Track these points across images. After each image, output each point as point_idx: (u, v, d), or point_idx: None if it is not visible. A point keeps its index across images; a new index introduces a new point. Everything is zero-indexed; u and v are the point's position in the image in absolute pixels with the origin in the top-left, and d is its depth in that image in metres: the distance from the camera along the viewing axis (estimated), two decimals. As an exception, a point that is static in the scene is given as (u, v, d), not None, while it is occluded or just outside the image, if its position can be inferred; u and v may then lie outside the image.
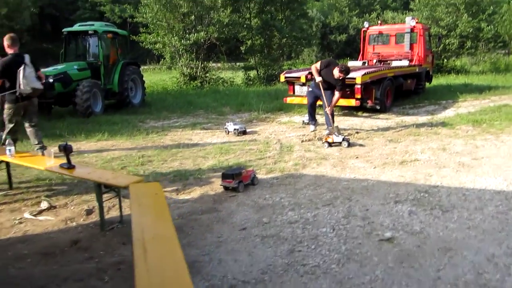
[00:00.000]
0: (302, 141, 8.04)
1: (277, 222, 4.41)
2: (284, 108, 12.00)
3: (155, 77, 22.12)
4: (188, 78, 17.86)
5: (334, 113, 8.61)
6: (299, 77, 10.68)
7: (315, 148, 7.48)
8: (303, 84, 10.76)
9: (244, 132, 8.82)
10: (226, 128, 9.09)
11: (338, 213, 4.56)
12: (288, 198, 5.07)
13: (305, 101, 10.02)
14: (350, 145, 7.44)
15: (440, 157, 6.64)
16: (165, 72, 21.47)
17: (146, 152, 7.41)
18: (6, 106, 6.35)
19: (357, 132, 8.63)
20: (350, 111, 11.29)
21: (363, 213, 4.54)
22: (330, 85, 8.31)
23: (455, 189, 5.21)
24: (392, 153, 6.96)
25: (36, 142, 6.83)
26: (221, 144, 7.92)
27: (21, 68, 6.13)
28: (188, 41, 16.76)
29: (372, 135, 8.42)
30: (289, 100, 11.19)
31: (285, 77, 11.01)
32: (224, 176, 5.36)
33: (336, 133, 7.80)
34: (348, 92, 10.15)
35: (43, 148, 6.77)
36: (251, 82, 19.35)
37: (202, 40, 16.83)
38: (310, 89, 9.01)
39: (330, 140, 7.58)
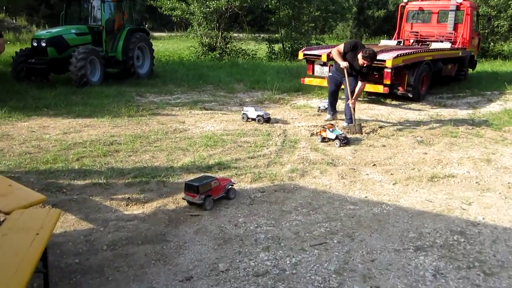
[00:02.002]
0: (312, 135, 6.61)
1: (238, 272, 3.07)
2: (303, 89, 10.49)
3: (175, 46, 20.81)
4: (206, 48, 16.44)
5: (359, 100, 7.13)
6: (320, 56, 9.11)
7: (324, 146, 6.03)
8: (324, 64, 9.23)
9: (268, 120, 7.36)
10: (244, 114, 7.53)
11: (329, 263, 3.18)
12: (267, 227, 3.71)
13: (325, 82, 8.65)
14: (343, 144, 6.06)
15: (483, 173, 5.08)
16: (189, 40, 20.02)
17: (119, 137, 6.17)
18: None
19: (380, 127, 7.08)
20: (377, 97, 9.65)
21: (366, 267, 3.14)
22: (355, 71, 6.86)
23: (503, 231, 3.70)
24: (421, 162, 5.43)
25: None
26: (212, 133, 6.58)
27: None
28: (208, 9, 15.23)
29: (398, 132, 6.86)
30: (307, 80, 9.66)
31: (304, 55, 9.44)
32: (187, 188, 4.04)
33: (351, 129, 6.38)
34: (377, 76, 8.54)
35: None
36: (274, 57, 17.70)
37: (223, 8, 15.25)
38: (330, 73, 7.49)
39: (324, 134, 6.24)
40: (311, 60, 9.50)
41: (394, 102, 9.34)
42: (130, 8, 12.19)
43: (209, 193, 4.02)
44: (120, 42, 11.42)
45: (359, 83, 6.83)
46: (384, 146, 6.14)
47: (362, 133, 6.74)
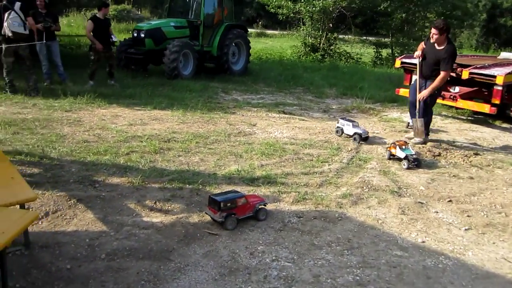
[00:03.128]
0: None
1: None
2: (399, 101, 9.46)
3: (280, 44, 20.61)
4: (309, 48, 15.91)
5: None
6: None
7: (396, 170, 5.20)
8: (423, 74, 8.13)
9: (366, 139, 6.32)
10: (339, 128, 6.53)
11: (337, 326, 2.54)
12: (286, 263, 3.17)
13: None
14: (413, 166, 5.31)
15: None
16: (294, 39, 19.66)
17: (180, 134, 6.03)
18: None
19: (476, 154, 5.94)
20: (484, 117, 8.28)
21: None
22: (429, 69, 6.12)
23: None
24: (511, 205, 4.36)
25: (30, 83, 7.69)
26: (276, 140, 6.13)
27: (7, 13, 6.57)
28: (314, 8, 14.69)
29: (497, 163, 5.70)
30: (402, 91, 8.66)
31: (402, 63, 8.45)
32: (210, 202, 3.66)
33: (418, 141, 6.04)
34: (486, 94, 7.30)
35: (35, 90, 7.70)
36: (380, 62, 16.49)
37: (329, 8, 14.57)
38: (413, 82, 6.59)
39: (393, 151, 5.51)
40: (409, 70, 8.49)
41: (504, 125, 7.91)
42: (231, 4, 12.17)
43: (233, 211, 3.59)
44: (216, 38, 11.47)
45: (441, 73, 5.93)
46: (472, 178, 5.10)
47: (422, 138, 6.19)
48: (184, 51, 10.52)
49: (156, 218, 3.72)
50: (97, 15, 9.08)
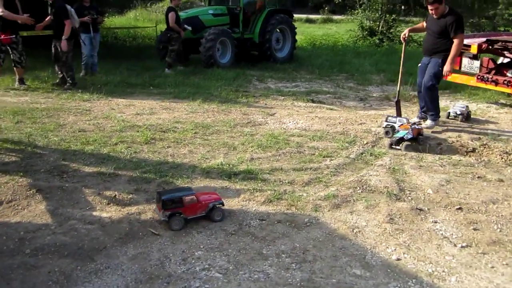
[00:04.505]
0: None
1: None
2: (452, 87, 8.42)
3: (344, 29, 19.57)
4: (366, 32, 14.87)
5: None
6: (469, 46, 7.07)
7: (410, 168, 4.51)
8: (474, 57, 7.18)
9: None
10: (389, 126, 5.50)
11: None
12: (216, 273, 2.77)
13: (472, 81, 7.10)
14: (408, 147, 4.93)
15: None
16: (353, 24, 18.56)
17: (182, 124, 5.78)
18: None
19: (508, 154, 4.98)
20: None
21: None
22: (432, 43, 5.69)
23: None
24: (541, 218, 3.51)
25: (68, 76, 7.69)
26: (285, 131, 5.67)
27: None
28: (371, -13, 13.67)
29: (540, 164, 4.71)
30: (451, 77, 7.61)
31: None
32: (157, 199, 3.34)
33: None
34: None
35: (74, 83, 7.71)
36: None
37: (389, -14, 13.48)
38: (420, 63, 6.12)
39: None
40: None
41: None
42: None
43: (179, 210, 3.24)
44: (258, 24, 11.06)
45: (454, 41, 5.43)
46: (501, 181, 4.25)
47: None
48: (222, 39, 10.25)
49: (107, 213, 3.48)
50: (172, 6, 9.29)
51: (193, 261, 2.90)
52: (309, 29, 22.11)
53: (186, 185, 3.92)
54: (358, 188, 4.01)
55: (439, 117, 6.00)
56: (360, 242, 3.14)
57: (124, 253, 2.98)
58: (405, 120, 5.47)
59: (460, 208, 3.68)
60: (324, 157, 4.80)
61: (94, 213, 3.47)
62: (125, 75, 8.76)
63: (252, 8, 11.13)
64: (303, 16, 29.16)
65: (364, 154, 4.93)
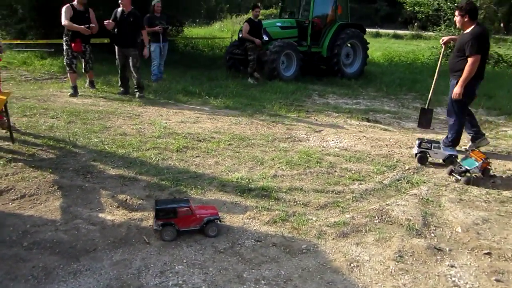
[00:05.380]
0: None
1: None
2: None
3: (425, 46, 18.49)
4: (450, 50, 13.83)
5: None
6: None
7: (447, 201, 4.06)
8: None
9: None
10: (422, 150, 5.07)
11: None
12: (184, 290, 2.68)
13: None
14: (469, 181, 4.45)
15: None
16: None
17: (220, 135, 5.79)
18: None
19: None
20: None
21: None
22: (453, 60, 5.23)
23: None
24: None
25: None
26: (322, 150, 5.46)
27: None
28: (456, 4, 12.74)
29: None
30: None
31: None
32: (154, 207, 3.35)
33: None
34: None
35: (141, 89, 7.96)
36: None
37: (477, 3, 12.48)
38: None
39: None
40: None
41: None
42: (346, 2, 11.37)
43: (172, 220, 3.22)
44: (327, 38, 10.88)
45: (469, 60, 4.88)
46: (552, 229, 3.63)
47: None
48: (287, 52, 10.21)
49: (112, 216, 3.56)
50: (252, 17, 9.58)
51: (170, 274, 2.84)
52: (393, 45, 21.27)
53: (197, 197, 3.90)
54: (376, 217, 3.68)
55: (455, 147, 5.35)
56: (353, 279, 2.85)
57: (110, 257, 3.01)
58: (441, 146, 5.03)
59: (488, 253, 3.21)
60: (353, 180, 4.50)
61: (100, 215, 3.57)
62: (187, 83, 9.06)
63: (322, 22, 10.97)
64: (391, 31, 28.17)
65: (400, 181, 4.54)
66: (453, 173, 4.66)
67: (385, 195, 4.19)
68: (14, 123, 5.56)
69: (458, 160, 4.85)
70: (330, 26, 10.92)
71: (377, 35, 27.33)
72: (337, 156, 5.21)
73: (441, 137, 5.74)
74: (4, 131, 5.07)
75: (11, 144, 4.88)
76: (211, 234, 3.29)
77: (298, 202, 3.93)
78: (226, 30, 22.47)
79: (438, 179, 4.66)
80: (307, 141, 5.81)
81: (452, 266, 3.05)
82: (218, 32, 21.56)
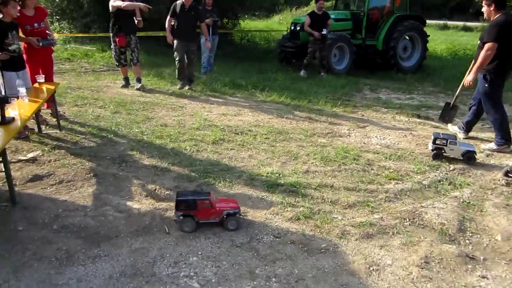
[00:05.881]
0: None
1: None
2: None
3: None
4: None
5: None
6: None
7: (491, 206, 3.78)
8: None
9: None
10: (437, 146, 4.80)
11: None
12: (194, 284, 2.70)
13: None
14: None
15: None
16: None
17: (259, 128, 5.75)
18: None
19: None
20: None
21: None
22: (477, 54, 5.11)
23: None
24: None
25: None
26: (361, 146, 5.26)
27: None
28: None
29: None
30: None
31: None
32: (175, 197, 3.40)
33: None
34: None
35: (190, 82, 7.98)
36: None
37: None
38: None
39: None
40: None
41: None
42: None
43: (191, 212, 3.24)
44: (383, 30, 10.46)
45: (484, 46, 4.83)
46: None
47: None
48: (339, 45, 9.94)
49: (139, 205, 3.66)
50: (315, 10, 9.49)
51: (183, 266, 2.86)
52: (461, 38, 20.01)
53: (224, 190, 3.91)
54: (407, 220, 3.48)
55: (510, 142, 5.08)
56: (369, 283, 2.71)
57: (129, 245, 3.09)
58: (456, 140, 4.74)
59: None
60: (390, 179, 4.29)
61: (128, 203, 3.68)
62: (236, 76, 9.09)
63: (378, 13, 10.54)
64: (460, 23, 26.53)
65: (441, 182, 4.26)
66: (510, 174, 4.31)
67: (422, 196, 3.95)
68: (64, 112, 5.88)
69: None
70: (387, 18, 10.47)
71: (445, 27, 25.84)
72: (377, 153, 4.99)
73: (493, 135, 5.34)
74: (54, 119, 5.36)
75: (58, 131, 5.16)
76: (230, 228, 3.27)
77: (326, 200, 3.81)
78: (285, 22, 22.27)
79: (485, 181, 4.32)
80: (348, 137, 5.62)
81: (483, 277, 2.80)
82: (276, 25, 21.44)
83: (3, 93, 4.75)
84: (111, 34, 7.33)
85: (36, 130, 5.14)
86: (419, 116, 6.86)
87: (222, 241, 3.15)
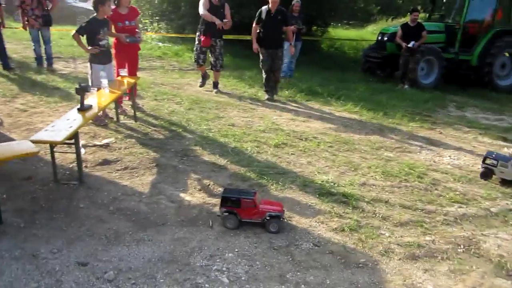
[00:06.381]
0: None
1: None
2: None
3: None
4: None
5: None
6: None
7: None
8: None
9: None
10: (488, 165, 4.54)
11: None
12: (222, 279, 2.78)
13: None
14: None
15: None
16: None
17: (324, 136, 5.68)
18: None
19: None
20: None
21: None
22: None
23: None
24: None
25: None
26: (427, 164, 4.97)
27: None
28: None
29: None
30: None
31: None
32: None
33: None
34: None
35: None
36: None
37: None
38: None
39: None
40: None
41: None
42: (510, 5, 9.96)
43: (234, 210, 3.32)
44: (479, 45, 9.73)
45: None
46: None
47: None
48: (428, 58, 9.44)
49: (191, 197, 3.83)
50: (408, 22, 9.35)
51: (217, 260, 2.94)
52: None
53: (275, 192, 3.94)
54: (462, 246, 3.23)
55: None
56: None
57: (173, 233, 3.24)
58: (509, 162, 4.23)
59: None
60: (454, 202, 4.01)
61: (181, 194, 3.86)
62: (314, 83, 9.04)
63: (476, 27, 9.83)
64: None
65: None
66: None
67: (485, 224, 3.63)
68: (143, 105, 6.30)
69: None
70: (486, 32, 9.71)
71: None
72: (446, 173, 4.68)
73: None
74: (133, 111, 5.78)
75: (134, 122, 5.56)
76: (271, 230, 3.29)
77: (377, 215, 3.66)
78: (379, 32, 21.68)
79: None
80: (417, 153, 5.33)
81: (538, 321, 2.50)
82: (369, 35, 20.91)
83: (90, 83, 5.25)
84: (197, 33, 7.43)
85: (115, 119, 5.57)
86: (505, 140, 6.28)
87: (261, 242, 3.17)
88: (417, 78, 9.40)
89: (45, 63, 8.45)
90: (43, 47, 8.38)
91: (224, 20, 7.18)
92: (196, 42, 7.48)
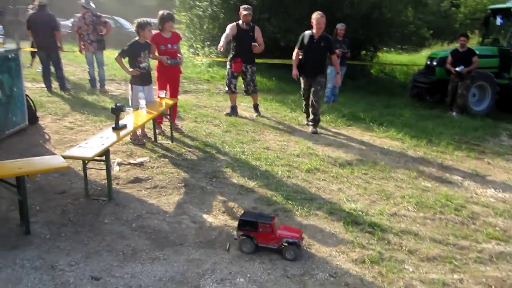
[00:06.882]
0: None
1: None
2: None
3: None
4: None
5: None
6: None
7: None
8: None
9: None
10: None
11: None
12: (229, 302, 2.73)
13: None
14: None
15: None
16: None
17: (358, 161, 5.53)
18: None
19: None
20: None
21: None
22: None
23: None
24: None
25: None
26: (468, 197, 4.69)
27: None
28: None
29: None
30: None
31: None
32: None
33: None
34: None
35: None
36: None
37: None
38: None
39: None
40: None
41: None
42: None
43: (251, 233, 3.29)
44: (537, 71, 9.17)
45: None
46: None
47: None
48: (480, 83, 9.01)
49: (214, 219, 3.84)
50: (458, 48, 9.12)
51: (228, 284, 2.91)
52: None
53: (299, 218, 3.86)
54: (493, 287, 2.98)
55: None
56: None
57: (189, 254, 3.26)
58: None
59: None
60: (491, 238, 3.73)
61: (204, 216, 3.88)
62: (358, 108, 8.87)
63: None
64: None
65: None
66: None
67: (522, 264, 3.33)
68: (182, 126, 6.46)
69: None
70: (543, 57, 9.15)
71: None
72: (487, 207, 4.38)
73: None
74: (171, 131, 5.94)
75: (170, 142, 5.71)
76: (288, 257, 3.21)
77: (403, 248, 3.48)
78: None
79: None
80: (458, 184, 5.04)
81: None
82: (422, 59, 20.34)
83: (130, 103, 5.47)
84: (229, 57, 7.42)
85: (153, 139, 5.75)
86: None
87: (275, 269, 3.11)
88: (467, 105, 8.98)
89: (98, 85, 8.94)
90: (97, 70, 8.89)
91: (253, 44, 7.11)
92: (228, 67, 7.45)
